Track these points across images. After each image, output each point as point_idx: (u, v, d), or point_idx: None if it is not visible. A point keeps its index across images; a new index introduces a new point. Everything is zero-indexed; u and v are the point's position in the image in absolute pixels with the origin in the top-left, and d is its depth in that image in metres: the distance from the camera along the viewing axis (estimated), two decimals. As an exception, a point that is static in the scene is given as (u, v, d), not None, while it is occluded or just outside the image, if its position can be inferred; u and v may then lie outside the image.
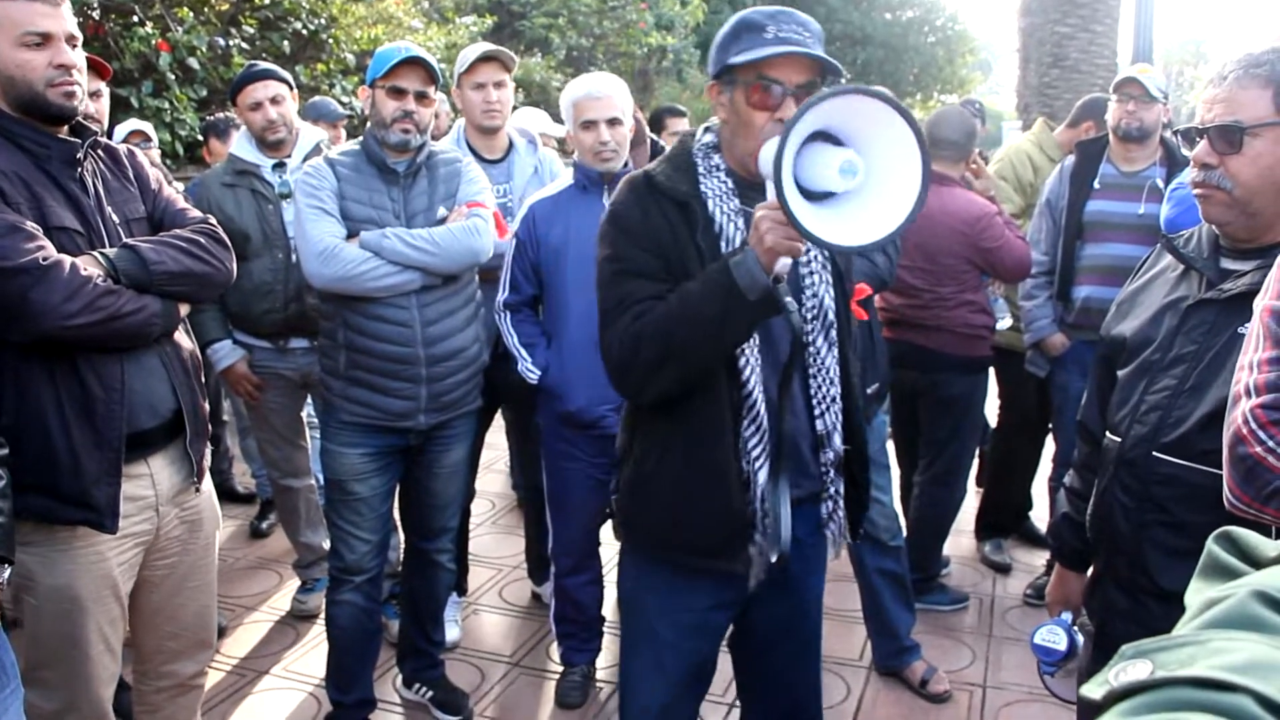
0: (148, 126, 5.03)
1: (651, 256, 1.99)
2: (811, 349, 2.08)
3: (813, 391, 2.11)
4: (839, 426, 2.15)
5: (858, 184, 1.73)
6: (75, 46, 2.30)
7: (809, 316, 2.07)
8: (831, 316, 2.11)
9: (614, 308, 1.99)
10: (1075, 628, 2.18)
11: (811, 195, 1.75)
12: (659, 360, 1.92)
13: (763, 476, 2.03)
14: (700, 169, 2.03)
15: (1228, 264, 1.90)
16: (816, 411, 2.12)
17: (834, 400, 2.13)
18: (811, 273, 2.08)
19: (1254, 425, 1.51)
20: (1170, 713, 0.52)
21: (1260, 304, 1.61)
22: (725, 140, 2.05)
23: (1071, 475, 2.29)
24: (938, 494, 4.19)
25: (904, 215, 1.73)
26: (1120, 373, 2.05)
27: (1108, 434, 2.04)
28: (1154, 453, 1.89)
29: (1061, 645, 2.12)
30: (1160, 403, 1.90)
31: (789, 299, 1.88)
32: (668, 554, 2.15)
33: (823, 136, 1.75)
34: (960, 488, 4.26)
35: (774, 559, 2.04)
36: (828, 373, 2.11)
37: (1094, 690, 0.58)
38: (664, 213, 2.00)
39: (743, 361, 1.99)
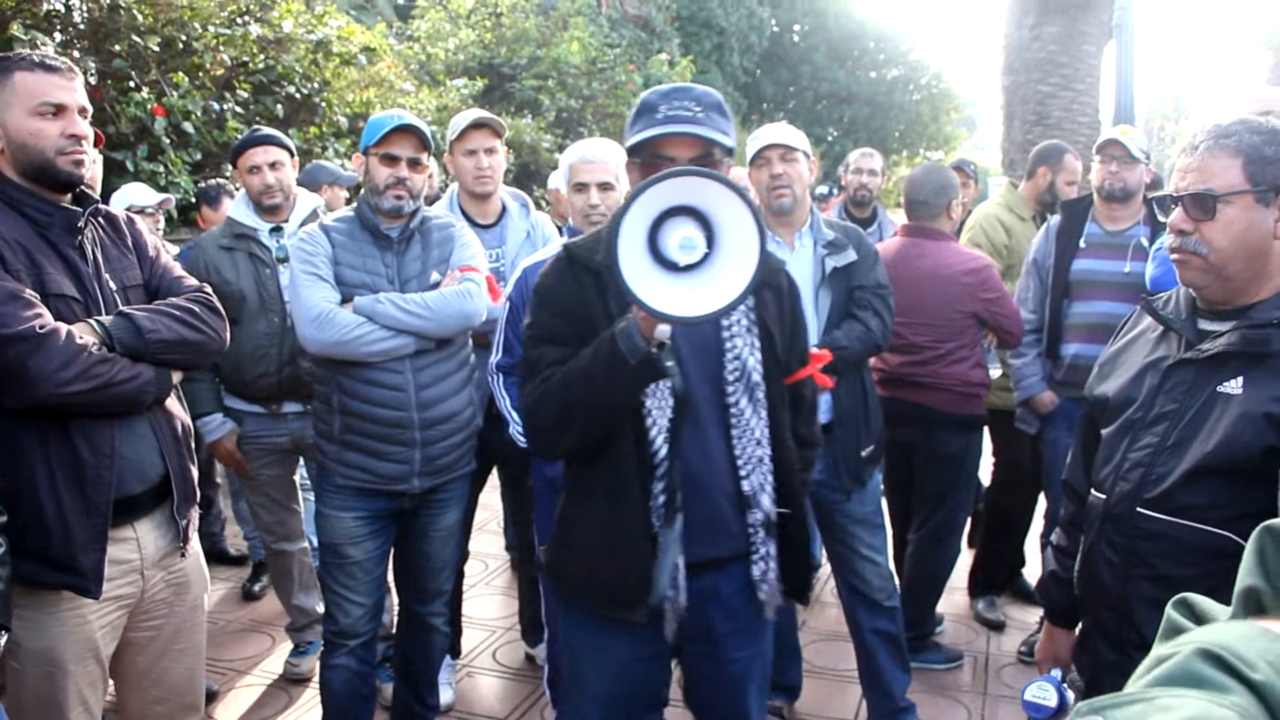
0: (148, 190, 5.07)
1: (563, 322, 2.12)
2: (734, 410, 2.14)
3: (737, 452, 2.15)
4: (768, 488, 2.18)
5: (702, 257, 1.80)
6: (85, 117, 2.36)
7: (731, 378, 2.13)
8: (757, 379, 2.15)
9: (528, 371, 2.15)
10: (1065, 684, 2.20)
11: (675, 265, 1.81)
12: (559, 419, 2.06)
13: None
14: None
15: (1205, 325, 1.96)
16: (742, 472, 2.15)
17: (760, 461, 2.16)
18: (733, 335, 2.14)
19: None
20: None
21: None
22: None
23: (1058, 533, 2.33)
24: (932, 552, 4.20)
25: (740, 289, 1.78)
26: (1104, 431, 2.09)
27: (1092, 491, 2.08)
28: (1138, 509, 1.94)
29: (1051, 701, 2.14)
30: (1143, 460, 1.95)
31: (671, 364, 1.93)
32: (584, 600, 2.25)
33: (688, 211, 1.81)
34: (955, 545, 4.27)
35: (650, 603, 2.07)
36: (753, 433, 2.15)
37: None
38: (579, 281, 2.14)
39: (650, 422, 2.07)
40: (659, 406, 2.07)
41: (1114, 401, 2.06)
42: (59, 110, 2.31)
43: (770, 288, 2.24)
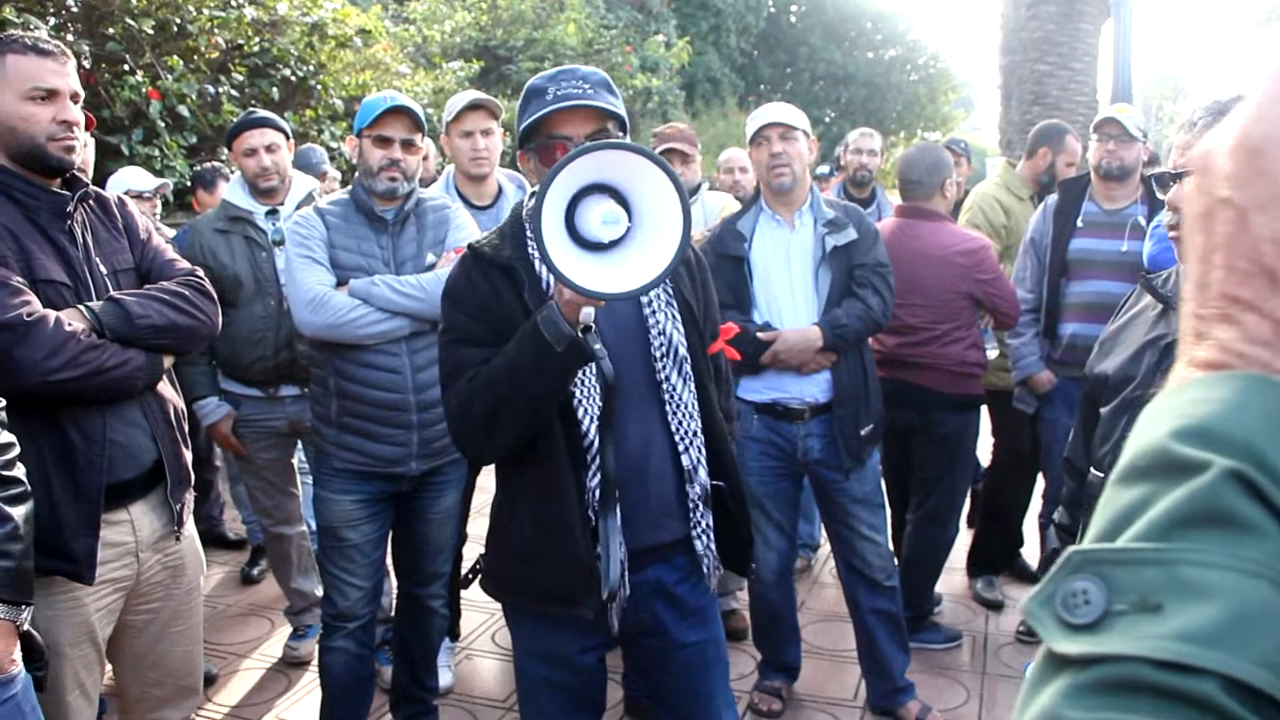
0: (146, 175, 5.05)
1: (478, 323, 2.07)
2: (666, 385, 2.12)
3: (674, 428, 2.13)
4: (703, 461, 2.17)
5: (625, 232, 1.78)
6: (77, 103, 2.35)
7: (659, 355, 2.11)
8: (683, 352, 2.14)
9: (450, 375, 2.09)
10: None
11: (595, 246, 1.79)
12: (489, 416, 1.99)
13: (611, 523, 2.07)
14: (528, 232, 2.08)
15: (1205, 303, 1.94)
16: (680, 447, 2.14)
17: (695, 435, 2.15)
18: (655, 311, 2.13)
19: None
20: (1117, 713, 0.47)
21: None
22: None
23: (1060, 512, 2.32)
24: (931, 532, 4.20)
25: (669, 259, 1.76)
26: (1103, 410, 2.09)
27: (1092, 469, 2.07)
28: (1137, 488, 1.92)
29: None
30: (1141, 439, 1.93)
31: (598, 345, 1.90)
32: (526, 602, 2.22)
33: (602, 189, 1.78)
34: (953, 526, 4.27)
35: (604, 596, 2.05)
36: (686, 408, 2.14)
37: (1041, 613, 0.51)
38: (489, 279, 2.09)
39: (581, 412, 2.04)
40: (588, 396, 2.04)
41: (1113, 379, 2.06)
42: (50, 95, 2.30)
43: (682, 262, 2.22)
